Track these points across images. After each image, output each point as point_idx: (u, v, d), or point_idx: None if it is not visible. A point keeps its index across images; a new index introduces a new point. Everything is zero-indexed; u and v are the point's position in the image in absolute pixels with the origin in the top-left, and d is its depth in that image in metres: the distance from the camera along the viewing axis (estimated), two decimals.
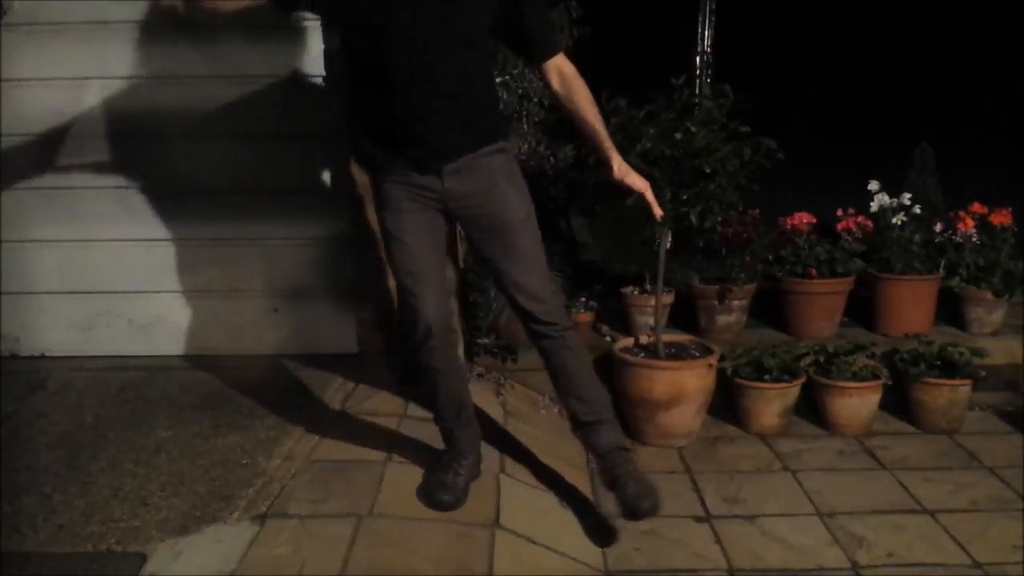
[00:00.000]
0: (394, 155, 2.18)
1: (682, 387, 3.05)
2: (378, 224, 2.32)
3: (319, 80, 3.05)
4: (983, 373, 3.22)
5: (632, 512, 2.31)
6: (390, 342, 3.14)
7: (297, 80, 3.07)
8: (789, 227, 3.58)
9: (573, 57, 3.39)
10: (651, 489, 2.32)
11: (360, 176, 2.95)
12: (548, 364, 2.40)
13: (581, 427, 2.42)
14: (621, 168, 2.26)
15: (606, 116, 2.97)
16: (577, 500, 2.65)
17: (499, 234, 2.23)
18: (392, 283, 3.04)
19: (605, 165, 2.27)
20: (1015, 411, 3.33)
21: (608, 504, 2.49)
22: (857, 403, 3.18)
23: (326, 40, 2.98)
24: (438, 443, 2.47)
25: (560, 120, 3.63)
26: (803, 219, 3.57)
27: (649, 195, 2.28)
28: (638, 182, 2.28)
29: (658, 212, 2.33)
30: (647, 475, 2.38)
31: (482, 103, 2.21)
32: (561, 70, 2.21)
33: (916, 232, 3.59)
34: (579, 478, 2.81)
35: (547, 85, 2.27)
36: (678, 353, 3.17)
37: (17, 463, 2.44)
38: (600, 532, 2.47)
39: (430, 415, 2.51)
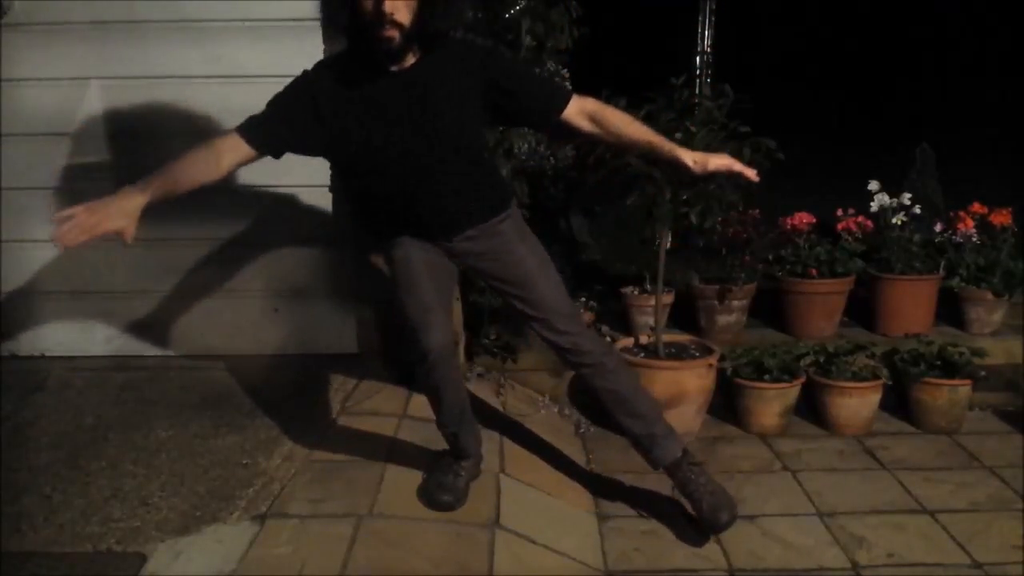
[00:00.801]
0: (398, 231, 2.19)
1: (682, 387, 3.05)
2: (383, 256, 2.29)
3: None
4: (983, 373, 3.22)
5: (711, 526, 2.36)
6: (390, 342, 3.14)
7: None
8: (789, 227, 3.58)
9: (573, 57, 3.38)
10: (727, 501, 2.36)
11: None
12: (593, 392, 2.40)
13: (639, 444, 2.42)
14: (698, 161, 2.16)
15: None
16: (577, 499, 2.66)
17: (516, 284, 2.25)
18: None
19: (680, 166, 2.17)
20: (1015, 411, 3.33)
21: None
22: (857, 403, 3.17)
23: (327, 40, 2.98)
24: (438, 443, 2.47)
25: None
26: (803, 219, 3.57)
27: (737, 166, 2.17)
28: (719, 161, 2.17)
29: (751, 174, 2.17)
30: (721, 485, 2.42)
31: (481, 185, 2.20)
32: (583, 110, 2.15)
33: (916, 232, 3.59)
34: (579, 477, 2.81)
35: (580, 132, 2.19)
36: (678, 353, 3.17)
37: (17, 463, 2.44)
38: (694, 535, 2.46)
39: (430, 415, 2.50)
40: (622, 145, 2.22)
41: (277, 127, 2.07)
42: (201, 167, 2.01)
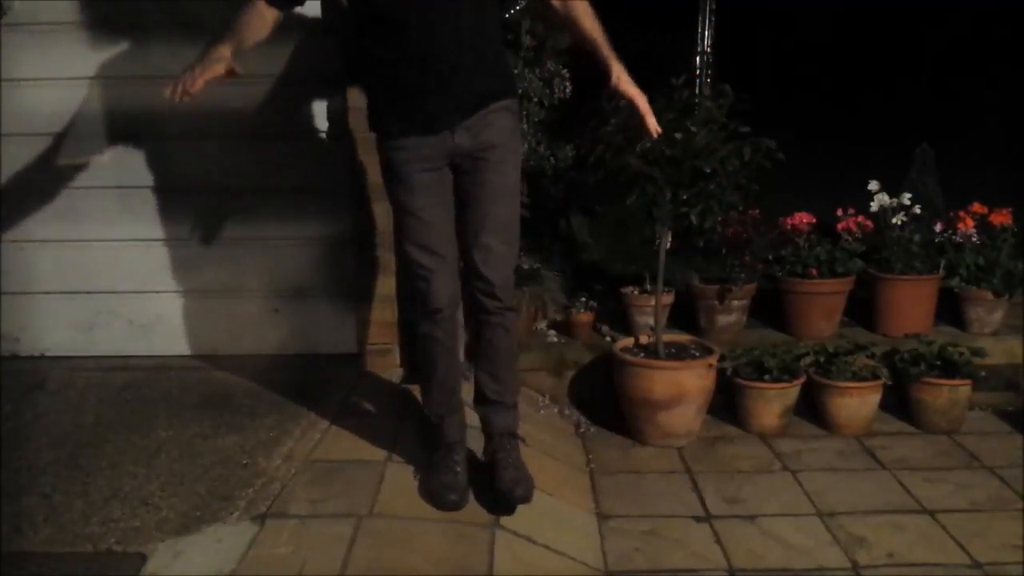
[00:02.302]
0: (406, 115, 2.19)
1: (682, 387, 3.05)
2: (388, 195, 2.33)
3: (319, 79, 3.06)
4: (983, 373, 3.22)
5: (505, 495, 2.31)
6: (390, 342, 3.14)
7: (297, 80, 3.07)
8: (789, 227, 3.57)
9: (573, 56, 3.39)
10: (528, 478, 2.35)
11: (364, 171, 2.95)
12: (477, 337, 2.40)
13: (483, 403, 2.44)
14: (620, 77, 2.27)
15: (606, 115, 2.99)
16: (577, 499, 2.66)
17: (485, 198, 2.24)
18: (394, 281, 3.07)
19: (604, 73, 2.28)
20: (1015, 411, 3.33)
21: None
22: (857, 403, 3.18)
23: (328, 40, 2.98)
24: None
25: (560, 120, 3.64)
26: (803, 219, 3.56)
27: (643, 105, 2.30)
28: (632, 90, 2.29)
29: (652, 125, 2.31)
30: (527, 468, 2.39)
31: (493, 51, 2.25)
32: None
33: (916, 232, 3.58)
34: (579, 478, 2.82)
35: (547, 2, 2.29)
36: (678, 353, 3.17)
37: (17, 463, 2.44)
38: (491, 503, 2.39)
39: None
40: (573, 32, 2.31)
41: None
42: (255, 29, 2.25)
